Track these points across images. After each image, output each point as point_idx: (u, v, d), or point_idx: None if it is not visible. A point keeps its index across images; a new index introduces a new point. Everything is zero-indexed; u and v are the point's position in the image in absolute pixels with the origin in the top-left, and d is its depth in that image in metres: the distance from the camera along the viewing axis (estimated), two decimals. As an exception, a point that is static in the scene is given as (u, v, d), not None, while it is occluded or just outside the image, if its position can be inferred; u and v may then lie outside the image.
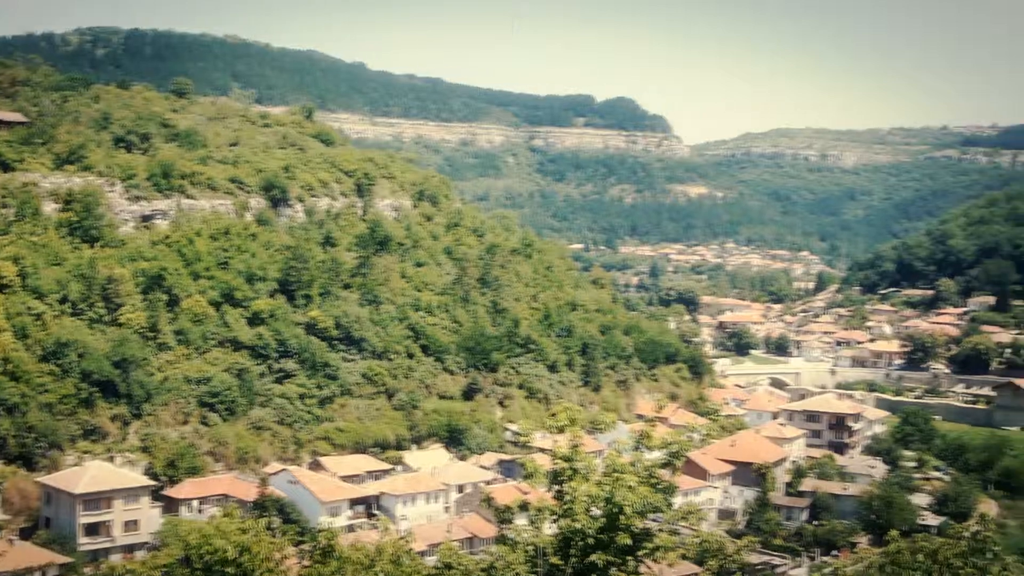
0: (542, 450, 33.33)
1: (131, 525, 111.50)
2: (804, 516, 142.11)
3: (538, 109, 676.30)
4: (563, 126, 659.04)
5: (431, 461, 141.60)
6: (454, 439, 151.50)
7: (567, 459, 28.20)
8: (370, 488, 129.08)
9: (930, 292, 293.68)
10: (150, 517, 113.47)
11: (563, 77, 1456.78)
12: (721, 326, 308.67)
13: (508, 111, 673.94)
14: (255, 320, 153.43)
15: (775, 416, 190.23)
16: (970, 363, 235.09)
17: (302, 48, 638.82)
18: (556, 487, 28.28)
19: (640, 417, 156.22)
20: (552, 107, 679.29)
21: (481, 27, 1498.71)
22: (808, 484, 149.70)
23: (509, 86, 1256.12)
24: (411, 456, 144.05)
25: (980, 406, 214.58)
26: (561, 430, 28.85)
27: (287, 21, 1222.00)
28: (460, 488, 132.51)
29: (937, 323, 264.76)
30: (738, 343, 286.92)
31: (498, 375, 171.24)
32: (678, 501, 28.53)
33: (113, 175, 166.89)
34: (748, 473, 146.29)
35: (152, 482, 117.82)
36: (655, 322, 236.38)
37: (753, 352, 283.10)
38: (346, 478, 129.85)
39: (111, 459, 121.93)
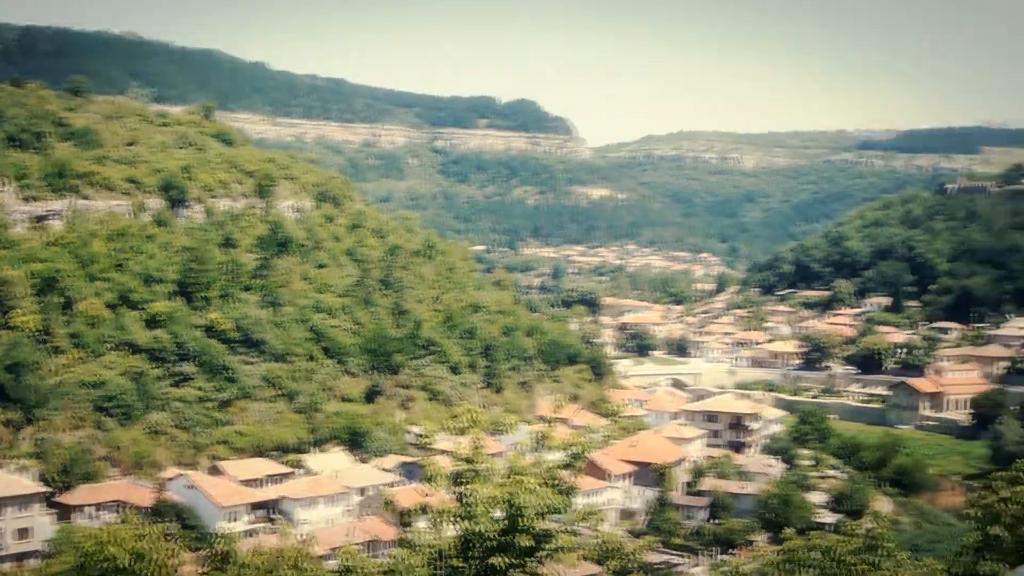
0: (444, 452, 33.24)
1: (23, 533, 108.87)
2: (703, 515, 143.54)
3: (441, 110, 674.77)
4: (466, 128, 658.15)
5: (332, 464, 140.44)
6: (356, 442, 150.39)
7: (468, 461, 28.18)
8: (270, 492, 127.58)
9: (827, 293, 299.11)
10: (43, 524, 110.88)
11: (466, 79, 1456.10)
12: (622, 327, 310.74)
13: (411, 112, 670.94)
14: (153, 323, 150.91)
15: (675, 416, 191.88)
16: (865, 363, 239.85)
17: (202, 47, 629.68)
18: (457, 489, 28.22)
19: (542, 418, 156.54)
20: (455, 109, 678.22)
21: (384, 28, 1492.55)
22: (707, 483, 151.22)
23: (412, 87, 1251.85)
24: (312, 459, 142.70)
25: (875, 405, 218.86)
26: (463, 432, 28.84)
27: (187, 19, 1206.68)
28: (361, 491, 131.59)
29: (833, 324, 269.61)
30: (639, 344, 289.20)
31: (400, 377, 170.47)
32: (579, 502, 28.63)
33: (5, 175, 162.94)
34: (649, 473, 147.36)
35: (45, 488, 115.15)
36: (557, 323, 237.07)
37: (654, 353, 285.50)
38: (245, 482, 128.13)
39: (1, 466, 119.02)
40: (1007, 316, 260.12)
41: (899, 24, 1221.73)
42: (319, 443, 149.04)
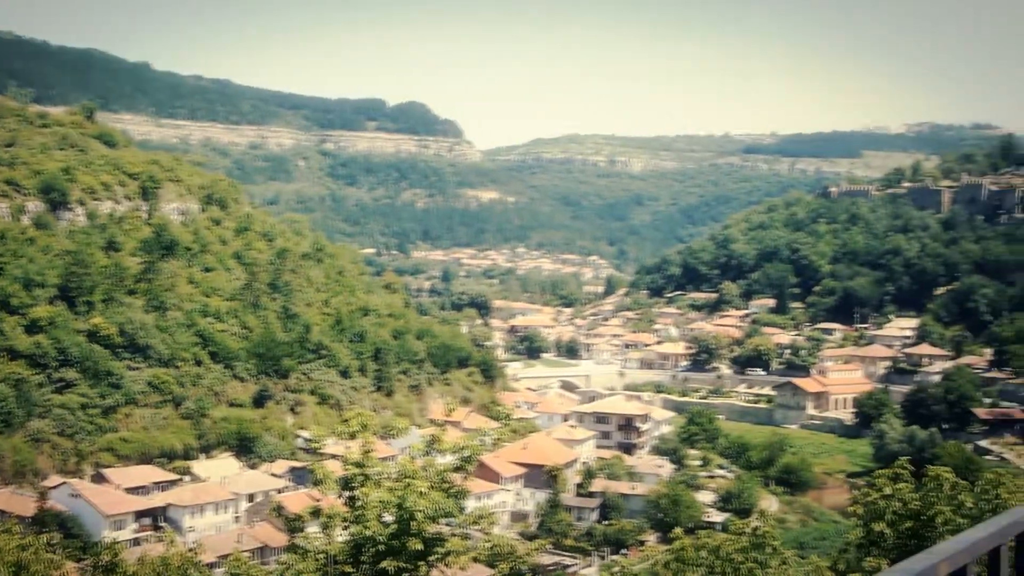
0: (334, 456, 32.86)
1: None
2: (594, 516, 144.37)
3: (329, 112, 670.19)
4: (354, 130, 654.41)
5: (220, 470, 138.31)
6: (244, 447, 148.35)
7: (359, 465, 27.85)
8: (156, 500, 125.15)
9: (714, 295, 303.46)
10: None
11: (354, 81, 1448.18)
12: (513, 330, 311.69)
13: (299, 114, 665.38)
14: (33, 328, 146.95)
15: (566, 418, 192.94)
16: (752, 363, 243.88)
17: (82, 46, 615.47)
18: (347, 493, 27.91)
19: (433, 422, 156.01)
20: (343, 111, 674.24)
21: (271, 29, 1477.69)
22: (598, 484, 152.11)
23: (299, 89, 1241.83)
24: (200, 466, 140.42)
25: (761, 405, 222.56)
26: (353, 436, 28.50)
27: (64, 18, 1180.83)
28: (250, 497, 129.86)
29: (720, 325, 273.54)
30: (529, 347, 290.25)
31: (289, 381, 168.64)
32: (470, 505, 28.49)
33: None
34: (540, 475, 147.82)
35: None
36: (447, 327, 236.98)
37: (544, 355, 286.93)
38: (131, 490, 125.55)
39: None
40: (888, 317, 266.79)
41: (782, 30, 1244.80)
42: (207, 449, 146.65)
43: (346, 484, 27.93)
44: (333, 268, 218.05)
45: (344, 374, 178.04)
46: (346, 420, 29.25)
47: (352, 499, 27.58)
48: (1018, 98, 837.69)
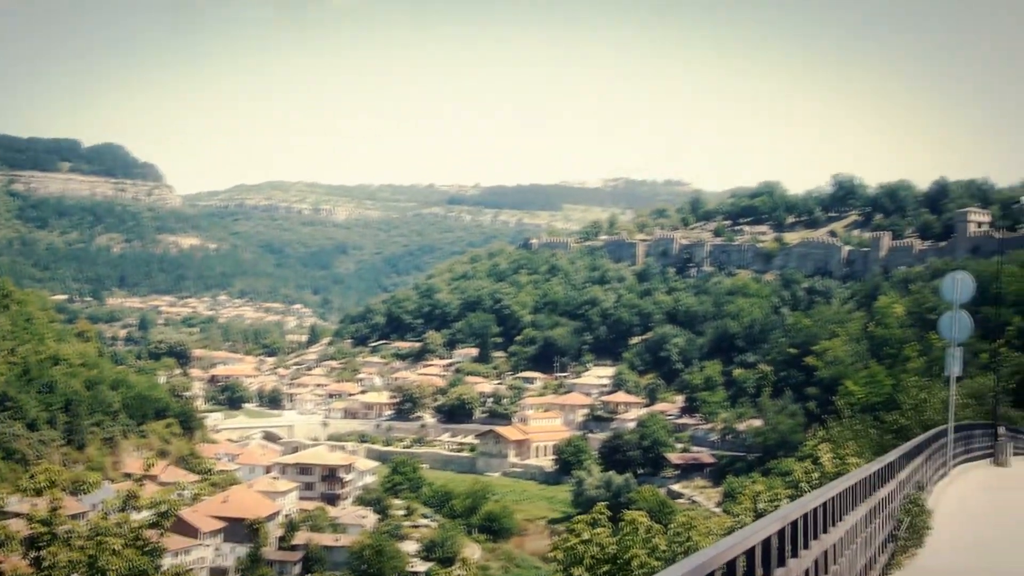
0: (19, 515, 30.43)
1: None
2: (297, 569, 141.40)
3: (19, 152, 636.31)
4: (46, 171, 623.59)
5: None
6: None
7: (45, 523, 25.83)
8: None
9: (418, 344, 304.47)
10: None
11: (46, 120, 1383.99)
12: (213, 380, 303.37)
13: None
14: None
15: (268, 470, 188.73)
16: (455, 412, 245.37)
17: None
18: (33, 554, 25.83)
19: (128, 476, 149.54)
20: (34, 150, 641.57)
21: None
22: (301, 537, 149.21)
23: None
24: None
25: (465, 454, 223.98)
26: (39, 492, 26.47)
27: None
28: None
29: (424, 374, 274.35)
30: (231, 397, 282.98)
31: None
32: (167, 562, 26.86)
33: None
34: (241, 529, 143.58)
35: None
36: (144, 376, 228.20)
37: (246, 406, 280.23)
38: None
39: None
40: (587, 365, 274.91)
41: (481, 85, 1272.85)
42: None
43: (32, 544, 25.86)
44: (21, 315, 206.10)
45: (31, 426, 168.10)
46: (32, 476, 27.15)
47: (38, 560, 25.54)
48: (705, 157, 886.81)
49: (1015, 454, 47.18)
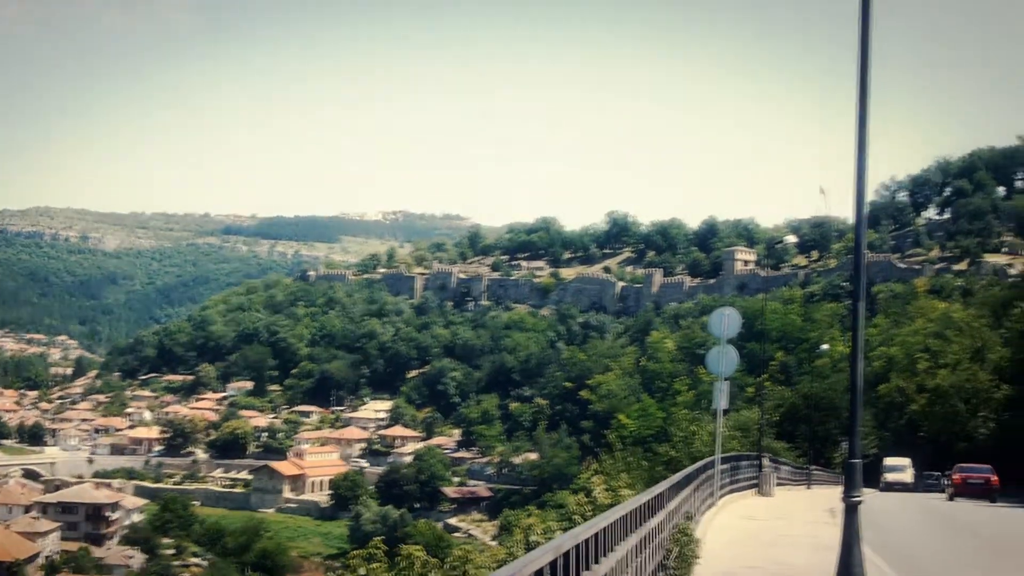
0: None
1: None
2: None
3: None
4: None
5: None
6: None
7: None
8: None
9: (191, 378, 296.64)
10: None
11: None
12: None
13: None
14: None
15: (28, 509, 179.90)
16: (229, 447, 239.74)
17: None
18: None
19: None
20: None
21: None
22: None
23: None
24: None
25: (238, 490, 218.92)
26: None
27: None
28: None
29: (197, 408, 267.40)
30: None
31: None
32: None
33: None
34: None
35: None
36: None
37: (5, 442, 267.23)
38: None
39: None
40: (364, 399, 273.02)
41: (264, 112, 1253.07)
42: None
43: None
44: None
45: None
46: None
47: None
48: (483, 191, 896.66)
49: (778, 484, 48.74)
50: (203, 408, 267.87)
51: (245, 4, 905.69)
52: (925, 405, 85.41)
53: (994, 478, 55.91)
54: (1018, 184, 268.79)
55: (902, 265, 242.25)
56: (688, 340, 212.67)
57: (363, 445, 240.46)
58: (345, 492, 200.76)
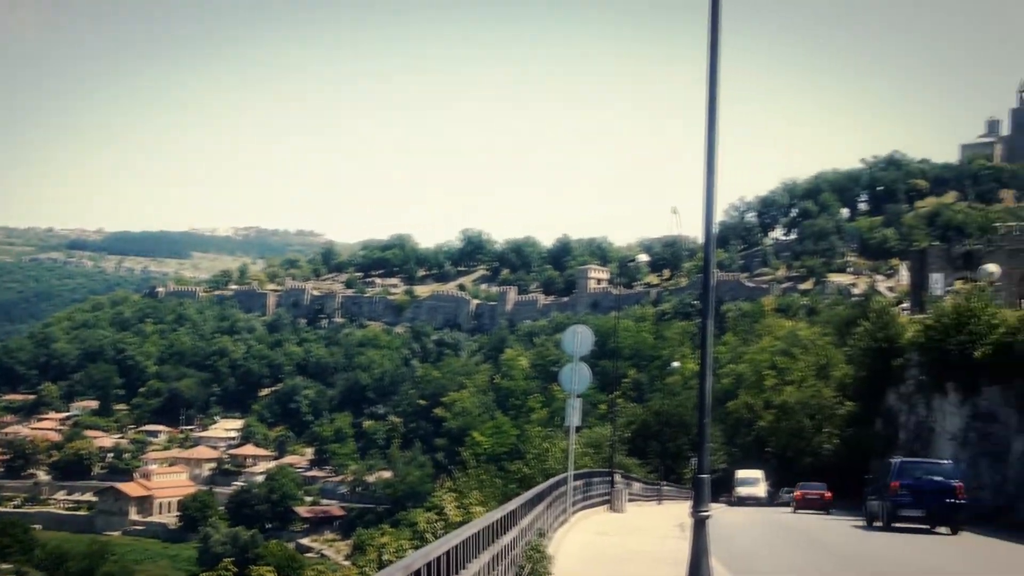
0: None
1: None
2: None
3: None
4: None
5: None
6: None
7: None
8: None
9: (32, 397, 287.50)
10: None
11: None
12: None
13: None
14: None
15: None
16: (72, 469, 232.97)
17: None
18: None
19: None
20: None
21: None
22: None
23: None
24: None
25: (82, 512, 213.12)
26: None
27: None
28: None
29: (39, 429, 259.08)
30: None
31: None
32: None
33: None
34: None
35: None
36: None
37: None
38: None
39: None
40: (215, 418, 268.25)
41: (110, 123, 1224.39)
42: None
43: None
44: None
45: None
46: None
47: None
48: (337, 207, 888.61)
49: (630, 500, 49.31)
50: (45, 428, 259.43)
51: (87, 10, 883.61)
52: (772, 421, 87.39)
53: (827, 494, 61.82)
54: (861, 206, 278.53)
55: (750, 284, 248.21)
56: (542, 357, 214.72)
57: (213, 465, 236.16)
58: (194, 513, 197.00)
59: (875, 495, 41.00)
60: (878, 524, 39.76)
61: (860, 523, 42.71)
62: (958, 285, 68.01)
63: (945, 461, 42.45)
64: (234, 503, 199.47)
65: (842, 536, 36.68)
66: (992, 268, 74.92)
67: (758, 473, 74.81)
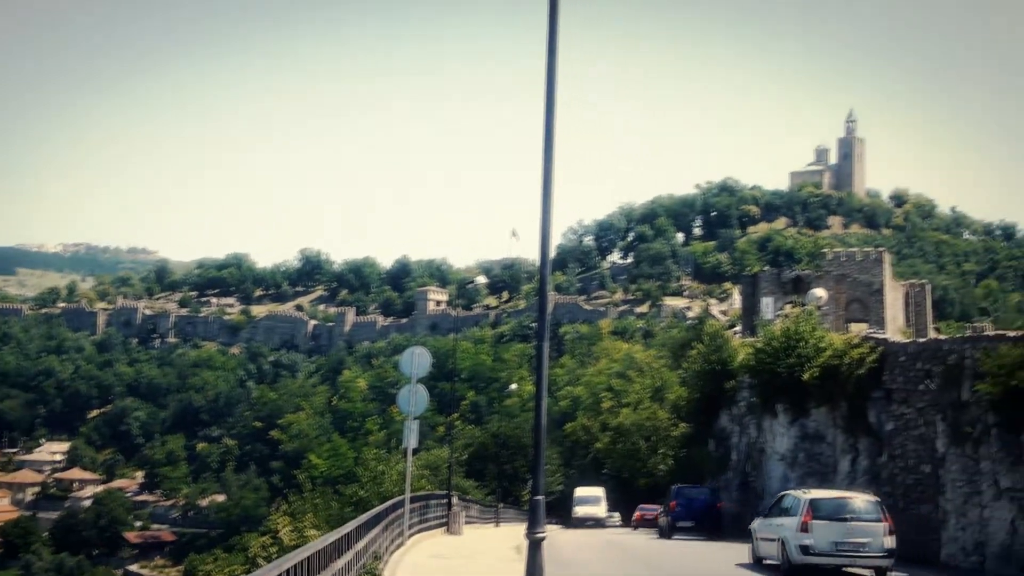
0: None
1: None
2: None
3: None
4: None
5: None
6: None
7: None
8: None
9: None
10: None
11: None
12: None
13: None
14: None
15: None
16: None
17: None
18: None
19: None
20: None
21: None
22: None
23: None
24: None
25: None
26: None
27: None
28: None
29: None
30: None
31: None
32: None
33: None
34: None
35: None
36: None
37: None
38: None
39: None
40: (40, 441, 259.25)
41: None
42: None
43: None
44: None
45: None
46: None
47: None
48: (169, 226, 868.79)
49: (467, 523, 49.23)
50: None
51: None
52: (609, 443, 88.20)
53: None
54: (695, 231, 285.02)
55: (588, 307, 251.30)
56: (380, 379, 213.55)
57: (37, 489, 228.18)
58: (16, 539, 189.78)
59: (663, 512, 53.47)
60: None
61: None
62: (787, 309, 69.62)
63: (706, 487, 56.22)
64: (59, 529, 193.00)
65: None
66: (820, 293, 77.17)
67: (599, 491, 73.86)
